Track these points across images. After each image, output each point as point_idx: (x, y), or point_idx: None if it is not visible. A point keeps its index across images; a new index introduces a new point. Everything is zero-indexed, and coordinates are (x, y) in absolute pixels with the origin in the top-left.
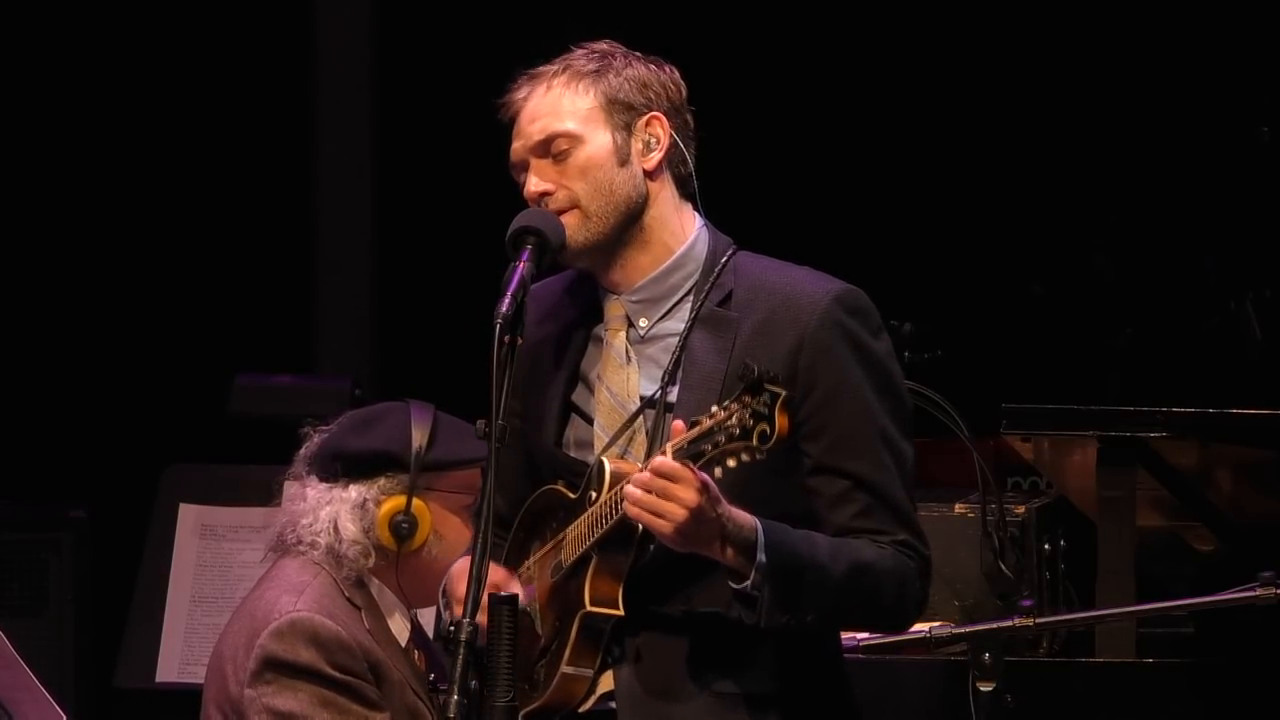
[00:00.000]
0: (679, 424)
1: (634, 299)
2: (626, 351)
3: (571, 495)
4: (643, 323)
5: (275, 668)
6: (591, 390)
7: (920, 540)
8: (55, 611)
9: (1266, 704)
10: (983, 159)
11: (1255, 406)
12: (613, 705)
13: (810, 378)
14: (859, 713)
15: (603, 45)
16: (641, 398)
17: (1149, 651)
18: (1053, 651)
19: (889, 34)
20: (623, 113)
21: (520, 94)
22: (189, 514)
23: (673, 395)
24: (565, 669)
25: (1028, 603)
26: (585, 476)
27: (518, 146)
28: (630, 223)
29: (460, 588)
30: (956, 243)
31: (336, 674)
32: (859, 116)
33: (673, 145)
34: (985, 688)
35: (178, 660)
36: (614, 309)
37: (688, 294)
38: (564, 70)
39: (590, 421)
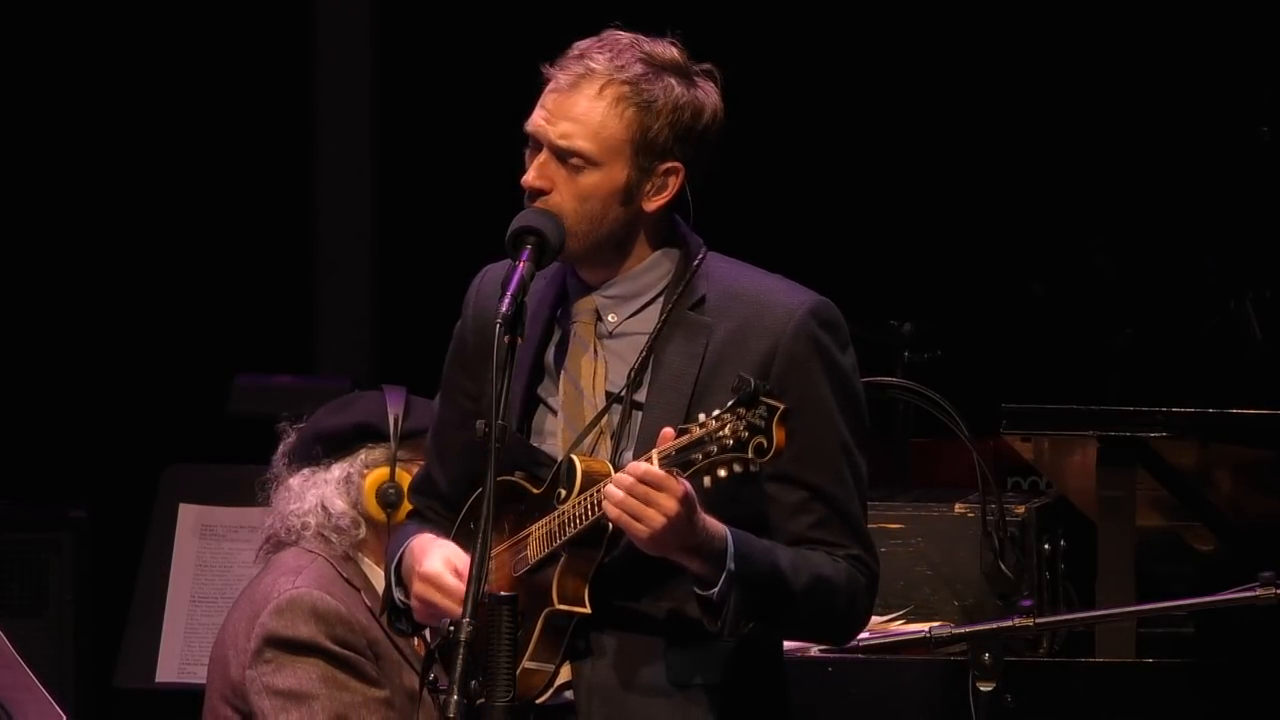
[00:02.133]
0: (669, 431)
1: (606, 294)
2: (594, 346)
3: (534, 489)
4: (611, 318)
5: (275, 645)
6: (555, 381)
7: (871, 555)
8: (55, 611)
9: (1266, 704)
10: (982, 158)
11: (1255, 406)
12: (569, 695)
13: (780, 387)
14: (797, 708)
15: (669, 56)
16: (608, 393)
17: (1149, 651)
18: (1053, 651)
19: (891, 34)
20: (649, 156)
21: (567, 76)
22: (189, 514)
23: (640, 394)
24: (527, 664)
25: (1028, 603)
26: (552, 473)
27: (541, 125)
28: (610, 247)
29: (422, 589)
30: (956, 243)
31: (337, 648)
32: (860, 117)
33: (679, 194)
34: (985, 688)
35: (178, 660)
36: (584, 303)
37: (659, 295)
38: (619, 83)
39: (554, 412)
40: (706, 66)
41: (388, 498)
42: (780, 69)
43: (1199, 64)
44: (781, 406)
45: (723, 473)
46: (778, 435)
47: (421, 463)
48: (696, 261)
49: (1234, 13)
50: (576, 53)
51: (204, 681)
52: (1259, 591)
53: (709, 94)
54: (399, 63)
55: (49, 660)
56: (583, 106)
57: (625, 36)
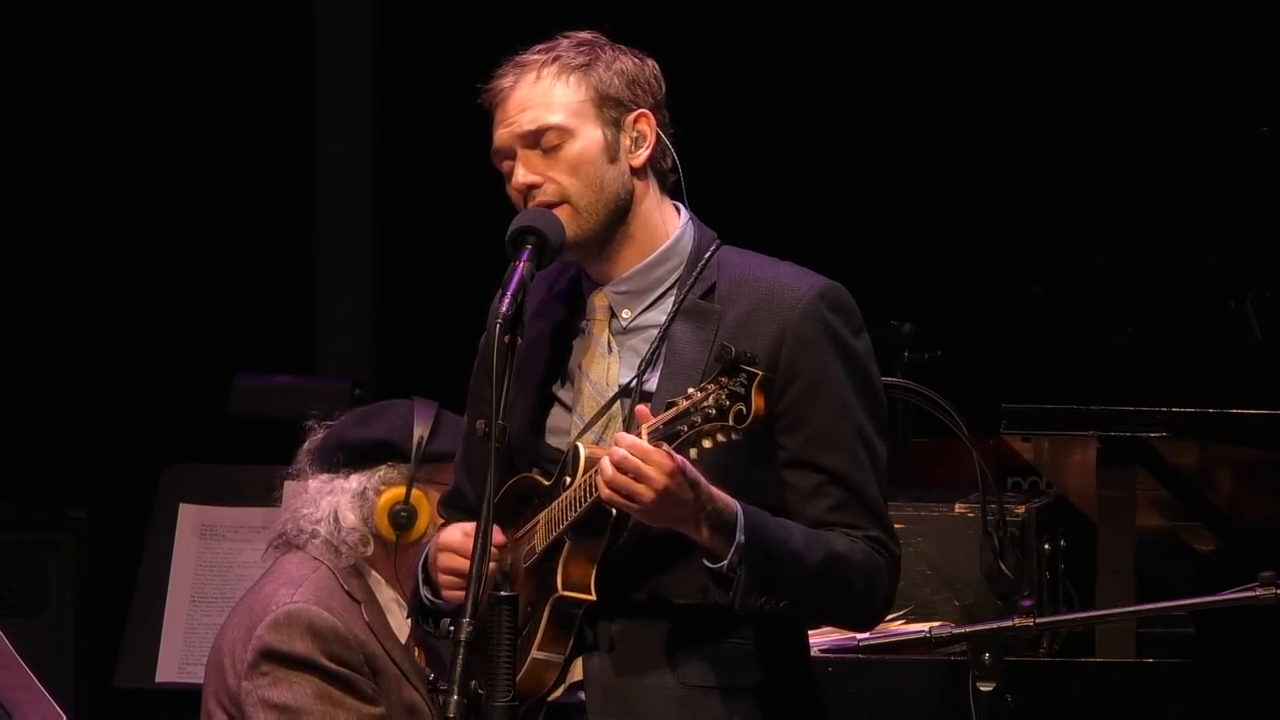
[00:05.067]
0: (643, 408)
1: (618, 290)
2: (609, 342)
3: (546, 482)
4: (625, 314)
5: (271, 659)
6: (572, 381)
7: (891, 538)
8: (55, 611)
9: (1266, 704)
10: (982, 158)
11: (1255, 406)
12: (581, 696)
13: (791, 371)
14: (825, 712)
15: (587, 35)
16: (620, 386)
17: (1149, 651)
18: (1053, 651)
19: (890, 33)
20: (613, 108)
21: (506, 81)
22: (189, 514)
23: (651, 383)
24: (536, 654)
25: (1028, 603)
26: (560, 463)
27: (504, 134)
28: (618, 219)
29: (447, 559)
30: (956, 243)
31: (332, 665)
32: (860, 116)
33: (659, 142)
34: (985, 688)
35: (178, 660)
36: (598, 300)
37: (671, 287)
38: (553, 61)
39: (569, 410)
40: (629, 46)
41: (399, 520)
42: (780, 70)
43: (1199, 64)
44: (760, 373)
45: (708, 443)
46: (756, 401)
47: (442, 485)
48: (709, 253)
49: (1234, 13)
50: (506, 64)
51: (202, 681)
52: (1259, 591)
53: (640, 55)
54: (399, 63)
55: (49, 660)
56: (532, 92)
57: (543, 41)
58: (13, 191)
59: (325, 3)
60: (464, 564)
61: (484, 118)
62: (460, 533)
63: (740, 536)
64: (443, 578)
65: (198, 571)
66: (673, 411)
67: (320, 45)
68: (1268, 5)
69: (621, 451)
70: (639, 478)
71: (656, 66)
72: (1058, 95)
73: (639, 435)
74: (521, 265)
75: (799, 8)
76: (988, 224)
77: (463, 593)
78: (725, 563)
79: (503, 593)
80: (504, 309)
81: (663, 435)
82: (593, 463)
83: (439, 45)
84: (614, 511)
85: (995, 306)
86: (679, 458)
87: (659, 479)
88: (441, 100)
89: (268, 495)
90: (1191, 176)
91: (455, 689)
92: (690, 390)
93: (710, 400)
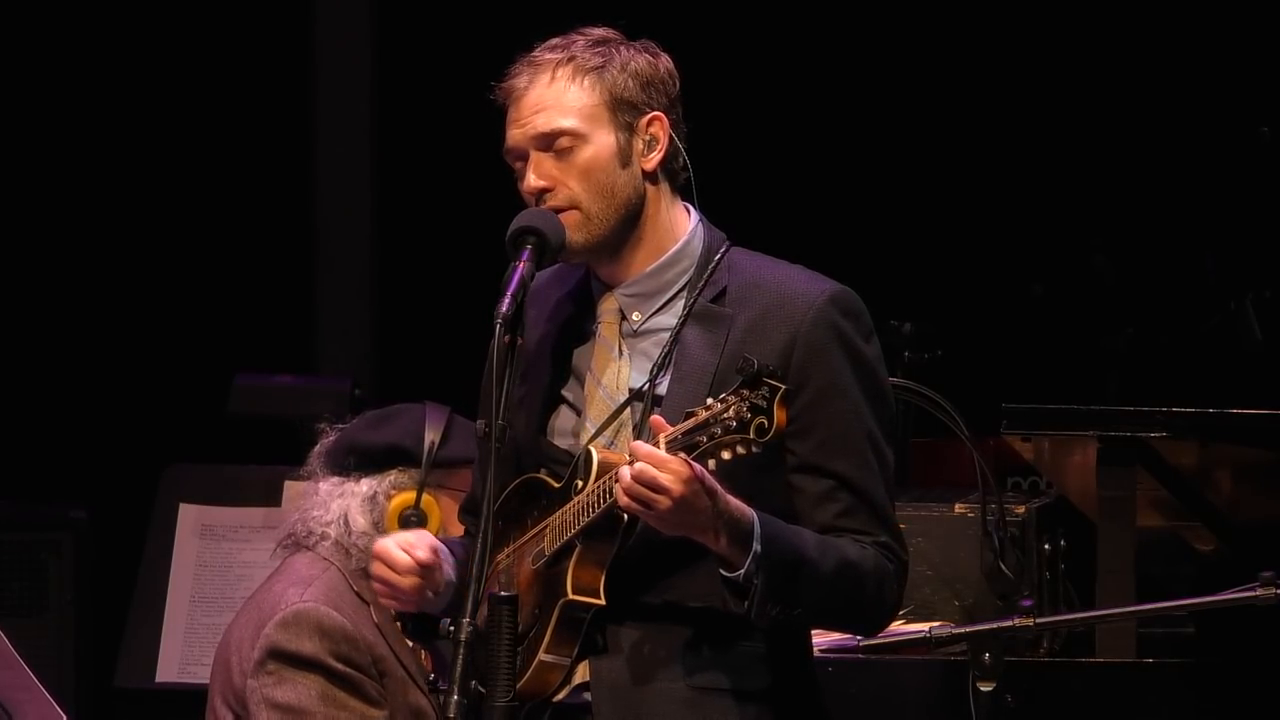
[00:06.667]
0: (657, 419)
1: (628, 293)
2: (619, 345)
3: (555, 484)
4: (635, 316)
5: (278, 658)
6: (582, 383)
7: (900, 544)
8: (55, 611)
9: (1266, 704)
10: (982, 158)
11: (1255, 406)
12: (587, 696)
13: (802, 376)
14: (829, 714)
15: (601, 32)
16: (630, 390)
17: (1149, 651)
18: (1053, 651)
19: (890, 33)
20: (626, 112)
21: (521, 80)
22: (189, 514)
23: (662, 387)
24: (543, 656)
25: (1028, 603)
26: (571, 466)
27: (517, 134)
28: (629, 223)
29: (375, 567)
30: (956, 243)
31: (339, 666)
32: (860, 116)
33: (671, 144)
34: (985, 688)
35: (178, 660)
36: (608, 303)
37: (682, 289)
38: (568, 61)
39: (578, 412)
40: (644, 40)
41: (409, 524)
42: (780, 71)
43: (1199, 64)
44: (783, 387)
45: (726, 455)
46: (778, 416)
47: (453, 490)
48: (719, 255)
49: (1234, 13)
50: (520, 61)
51: (204, 681)
52: (1259, 591)
53: (655, 51)
54: (399, 63)
55: (49, 660)
56: (546, 93)
57: (559, 36)
58: (13, 191)
59: (325, 3)
60: (388, 573)
61: (484, 118)
62: (393, 540)
63: (757, 546)
64: (376, 586)
65: (198, 571)
66: (691, 422)
67: (320, 45)
68: (1268, 5)
69: (641, 464)
70: (657, 487)
71: (670, 62)
72: (1057, 95)
73: (656, 444)
74: (521, 265)
75: (800, 8)
76: (988, 224)
77: (394, 601)
78: (742, 572)
79: (503, 593)
80: (504, 309)
81: (681, 445)
82: (605, 467)
83: (439, 45)
84: (625, 516)
85: (995, 306)
86: (697, 466)
87: (677, 487)
88: (441, 100)
89: (268, 495)
90: (1191, 176)
91: (455, 689)
92: (709, 401)
93: (730, 412)
